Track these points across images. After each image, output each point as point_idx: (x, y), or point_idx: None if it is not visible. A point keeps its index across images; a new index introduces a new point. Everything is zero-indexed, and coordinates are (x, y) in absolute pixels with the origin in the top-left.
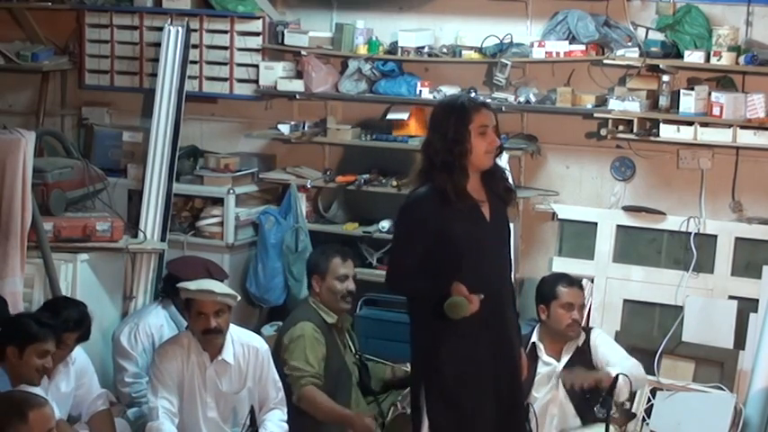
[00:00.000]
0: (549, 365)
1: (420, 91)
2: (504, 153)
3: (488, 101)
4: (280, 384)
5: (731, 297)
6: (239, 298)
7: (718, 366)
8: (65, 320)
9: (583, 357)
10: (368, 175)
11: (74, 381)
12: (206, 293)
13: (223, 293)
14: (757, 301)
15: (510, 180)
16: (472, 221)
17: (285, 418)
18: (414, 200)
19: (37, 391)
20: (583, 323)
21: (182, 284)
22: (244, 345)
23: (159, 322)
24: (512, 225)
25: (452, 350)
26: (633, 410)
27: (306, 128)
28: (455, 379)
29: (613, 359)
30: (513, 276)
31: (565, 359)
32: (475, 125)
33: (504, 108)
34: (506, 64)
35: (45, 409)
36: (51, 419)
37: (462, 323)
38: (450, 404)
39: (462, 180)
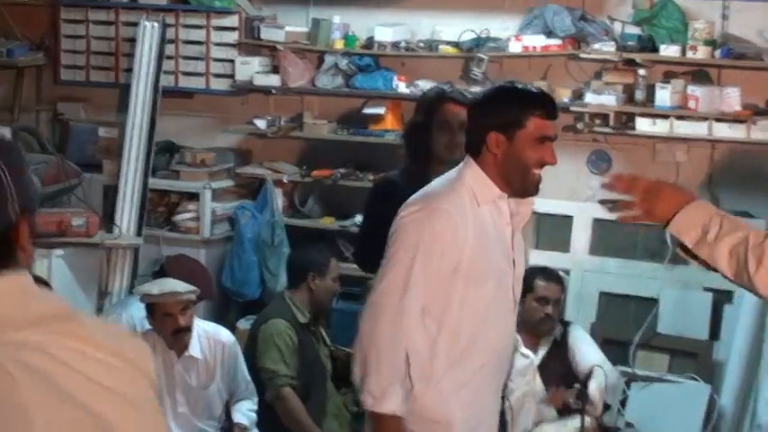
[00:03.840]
0: (527, 358)
1: (396, 85)
2: None
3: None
4: (248, 376)
5: (706, 289)
6: (199, 291)
7: (692, 357)
8: None
9: (559, 351)
10: (344, 170)
11: None
12: (171, 295)
13: (187, 291)
14: (732, 292)
15: None
16: None
17: (254, 408)
18: (382, 180)
19: None
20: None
21: (143, 290)
22: (210, 338)
23: (142, 314)
24: None
25: None
26: (608, 402)
27: (282, 123)
28: None
29: (590, 355)
30: None
31: (542, 353)
32: (437, 118)
33: None
34: (483, 58)
35: None
36: None
37: None
38: None
39: (416, 168)
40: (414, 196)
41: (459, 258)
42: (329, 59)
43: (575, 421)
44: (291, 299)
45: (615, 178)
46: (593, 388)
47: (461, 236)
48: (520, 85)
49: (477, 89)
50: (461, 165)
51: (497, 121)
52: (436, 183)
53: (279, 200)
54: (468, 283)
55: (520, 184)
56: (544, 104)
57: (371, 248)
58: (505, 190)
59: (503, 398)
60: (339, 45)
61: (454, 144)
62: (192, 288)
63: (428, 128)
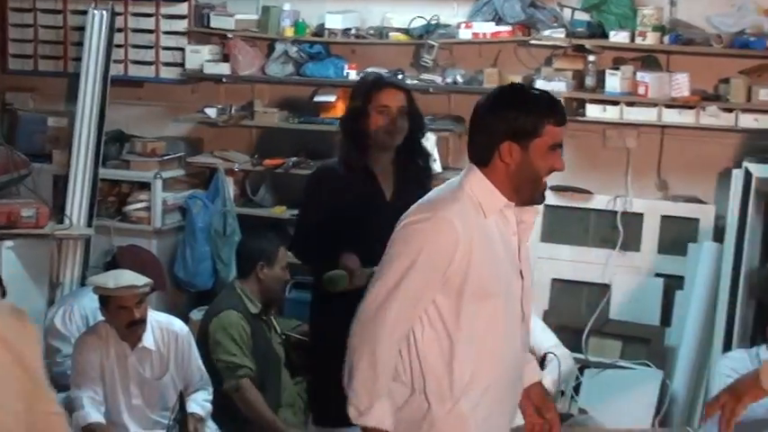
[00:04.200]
0: None
1: (347, 73)
2: (431, 134)
3: (414, 82)
4: (203, 367)
5: (657, 275)
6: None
7: (645, 343)
8: None
9: None
10: (296, 158)
11: None
12: (128, 289)
13: (143, 284)
14: (683, 278)
15: (433, 163)
16: (368, 198)
17: (209, 398)
18: (318, 170)
19: None
20: None
21: (97, 282)
22: (163, 329)
23: (95, 305)
24: None
25: (333, 327)
26: (562, 389)
27: (233, 111)
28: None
29: (543, 341)
30: None
31: None
32: (375, 103)
33: (431, 89)
34: (433, 45)
35: None
36: None
37: (349, 301)
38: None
39: (357, 156)
40: (418, 204)
41: (463, 272)
42: (279, 47)
43: None
44: (242, 289)
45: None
46: (547, 375)
47: (463, 249)
48: (528, 89)
49: (427, 76)
50: (463, 174)
51: (512, 129)
52: (437, 192)
53: (230, 189)
54: (475, 297)
55: (530, 193)
56: (558, 111)
57: (309, 239)
58: (512, 199)
59: None
60: (289, 33)
61: (394, 129)
62: (148, 281)
63: (367, 113)
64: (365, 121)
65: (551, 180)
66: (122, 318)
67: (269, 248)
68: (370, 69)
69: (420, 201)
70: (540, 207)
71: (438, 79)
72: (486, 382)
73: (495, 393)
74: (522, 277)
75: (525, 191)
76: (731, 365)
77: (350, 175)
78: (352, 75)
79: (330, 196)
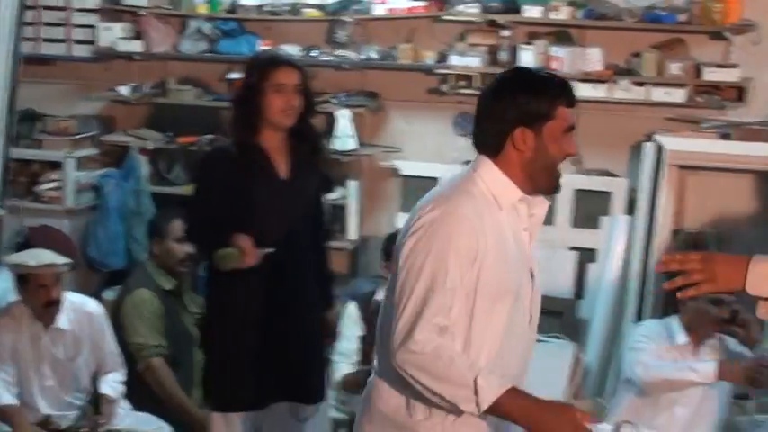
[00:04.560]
0: None
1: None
2: (347, 110)
3: (329, 58)
4: (116, 348)
5: (571, 248)
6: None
7: (558, 316)
8: None
9: None
10: (210, 136)
11: None
12: (48, 267)
13: (63, 263)
14: (595, 250)
15: (322, 140)
16: (263, 178)
17: (122, 379)
18: (210, 152)
19: None
20: None
21: (16, 261)
22: (77, 310)
23: (6, 285)
24: (355, 182)
25: (227, 306)
26: None
27: (146, 89)
28: (219, 330)
29: None
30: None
31: None
32: (271, 82)
33: (345, 66)
34: (348, 21)
35: None
36: None
37: (242, 279)
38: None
39: (250, 135)
40: (427, 200)
41: (478, 271)
42: (192, 24)
43: None
44: (152, 266)
45: (667, 259)
46: None
47: (482, 246)
48: (535, 72)
49: (341, 52)
50: (472, 165)
51: (524, 114)
52: (446, 186)
53: (144, 167)
54: (488, 298)
55: (546, 181)
56: (569, 92)
57: (205, 226)
58: (527, 189)
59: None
60: (202, 9)
61: (290, 108)
62: (67, 260)
63: (262, 92)
64: (260, 99)
65: (467, 156)
66: (41, 296)
67: (161, 223)
68: (284, 46)
69: (433, 193)
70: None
71: (352, 55)
72: None
73: None
74: (533, 276)
75: (541, 179)
76: (644, 333)
77: (243, 156)
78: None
79: (224, 178)
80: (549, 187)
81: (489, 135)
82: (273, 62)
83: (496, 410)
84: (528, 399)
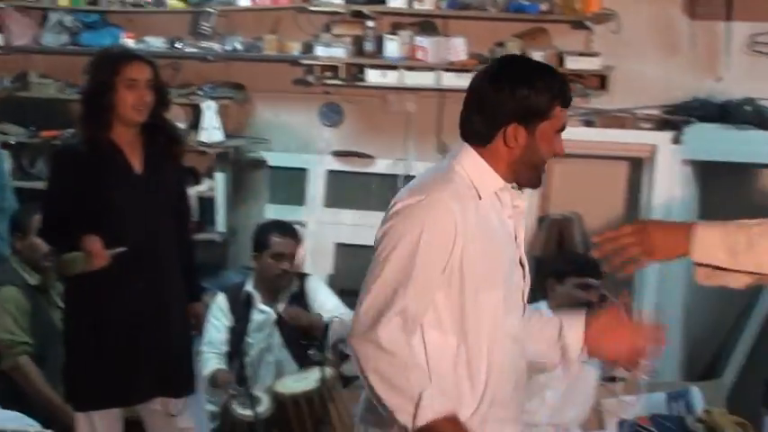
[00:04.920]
0: (265, 313)
1: (124, 42)
2: (212, 102)
3: (194, 50)
4: None
5: None
6: None
7: None
8: None
9: (299, 304)
10: (73, 130)
11: None
12: None
13: None
14: None
15: (178, 133)
16: (116, 174)
17: None
18: (59, 149)
19: None
20: (297, 270)
21: None
22: None
23: None
24: (222, 174)
25: (82, 305)
26: (347, 352)
27: (6, 83)
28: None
29: (328, 306)
30: (188, 233)
31: (280, 307)
32: (123, 77)
33: (210, 57)
34: (212, 13)
35: None
36: None
37: (97, 277)
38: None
39: (101, 131)
40: (407, 188)
41: (462, 261)
42: (53, 16)
43: (315, 373)
44: (16, 262)
45: (601, 240)
46: (332, 339)
47: (462, 234)
48: (536, 63)
49: (206, 44)
50: (453, 153)
51: (521, 109)
52: (426, 174)
53: (6, 162)
54: (478, 289)
55: (529, 178)
56: (568, 91)
57: (53, 224)
58: (509, 181)
59: (243, 354)
60: (63, 2)
61: (142, 104)
62: None
63: (113, 87)
64: (111, 95)
65: (334, 146)
66: None
67: (23, 218)
68: (147, 38)
69: (408, 185)
70: (323, 171)
71: (217, 47)
72: (492, 391)
73: (500, 400)
74: (523, 266)
75: (524, 175)
76: None
77: (93, 152)
78: (130, 44)
79: (74, 176)
80: (529, 183)
81: (480, 126)
82: (124, 57)
83: None
84: (462, 430)
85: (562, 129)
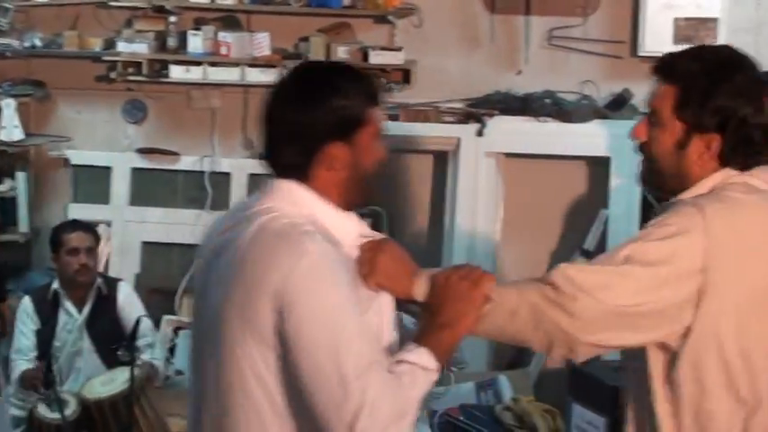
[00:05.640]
0: (72, 316)
1: None
2: (12, 100)
3: None
4: None
5: None
6: None
7: None
8: None
9: (107, 308)
10: None
11: None
12: None
13: None
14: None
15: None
16: None
17: None
18: None
19: None
20: (101, 268)
21: None
22: None
23: None
24: (23, 174)
25: None
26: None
27: None
28: None
29: (136, 311)
30: None
31: (87, 309)
32: None
33: (8, 54)
34: (9, 8)
35: None
36: None
37: None
38: None
39: None
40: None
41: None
42: None
43: (124, 374)
44: None
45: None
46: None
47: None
48: (335, 65)
49: (4, 40)
50: (268, 195)
51: (338, 124)
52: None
53: None
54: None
55: (360, 197)
56: (376, 88)
57: None
58: (346, 210)
59: (51, 356)
60: None
61: None
62: None
63: None
64: None
65: (138, 143)
66: None
67: None
68: None
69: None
70: (127, 169)
71: (15, 43)
72: None
73: None
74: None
75: (357, 197)
76: None
77: None
78: None
79: None
80: (363, 201)
81: (293, 156)
82: None
83: (440, 355)
84: (434, 327)
85: (381, 132)
